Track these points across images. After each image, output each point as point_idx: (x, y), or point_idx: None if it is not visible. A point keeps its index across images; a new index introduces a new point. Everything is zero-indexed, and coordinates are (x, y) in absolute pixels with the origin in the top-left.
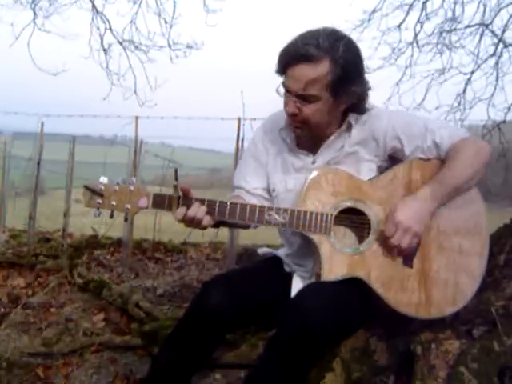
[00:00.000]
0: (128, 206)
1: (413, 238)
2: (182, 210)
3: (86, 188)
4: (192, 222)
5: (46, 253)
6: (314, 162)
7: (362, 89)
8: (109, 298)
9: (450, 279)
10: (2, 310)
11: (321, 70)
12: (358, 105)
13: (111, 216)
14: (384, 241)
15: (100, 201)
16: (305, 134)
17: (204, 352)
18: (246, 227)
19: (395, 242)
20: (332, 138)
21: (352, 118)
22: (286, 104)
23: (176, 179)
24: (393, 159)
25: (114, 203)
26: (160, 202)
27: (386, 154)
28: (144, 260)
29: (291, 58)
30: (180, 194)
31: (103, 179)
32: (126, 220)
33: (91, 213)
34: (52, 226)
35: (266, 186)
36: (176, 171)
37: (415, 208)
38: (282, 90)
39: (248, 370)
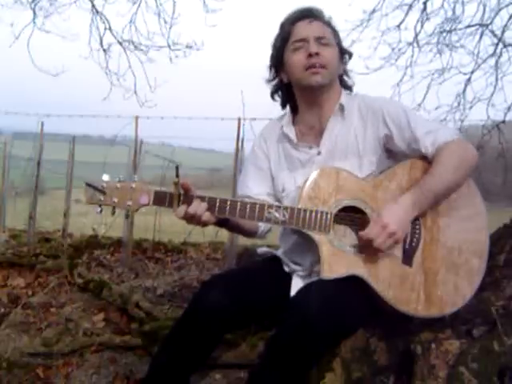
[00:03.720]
0: (129, 203)
1: (394, 243)
2: (182, 208)
3: (88, 185)
4: (193, 219)
5: (46, 253)
6: (319, 153)
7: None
8: (109, 298)
9: (450, 279)
10: (2, 310)
11: (326, 25)
12: (345, 77)
13: (113, 213)
14: (364, 242)
15: (102, 198)
16: (321, 81)
17: (202, 352)
18: (251, 234)
19: (378, 244)
20: (330, 120)
21: (343, 98)
22: (305, 50)
23: (177, 176)
24: (393, 154)
25: (115, 200)
26: (161, 199)
27: (382, 143)
28: (144, 260)
29: (302, 14)
30: (181, 191)
31: (105, 177)
32: (127, 217)
33: (91, 213)
34: (52, 226)
35: (270, 191)
36: (177, 168)
37: (399, 215)
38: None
39: (249, 370)
